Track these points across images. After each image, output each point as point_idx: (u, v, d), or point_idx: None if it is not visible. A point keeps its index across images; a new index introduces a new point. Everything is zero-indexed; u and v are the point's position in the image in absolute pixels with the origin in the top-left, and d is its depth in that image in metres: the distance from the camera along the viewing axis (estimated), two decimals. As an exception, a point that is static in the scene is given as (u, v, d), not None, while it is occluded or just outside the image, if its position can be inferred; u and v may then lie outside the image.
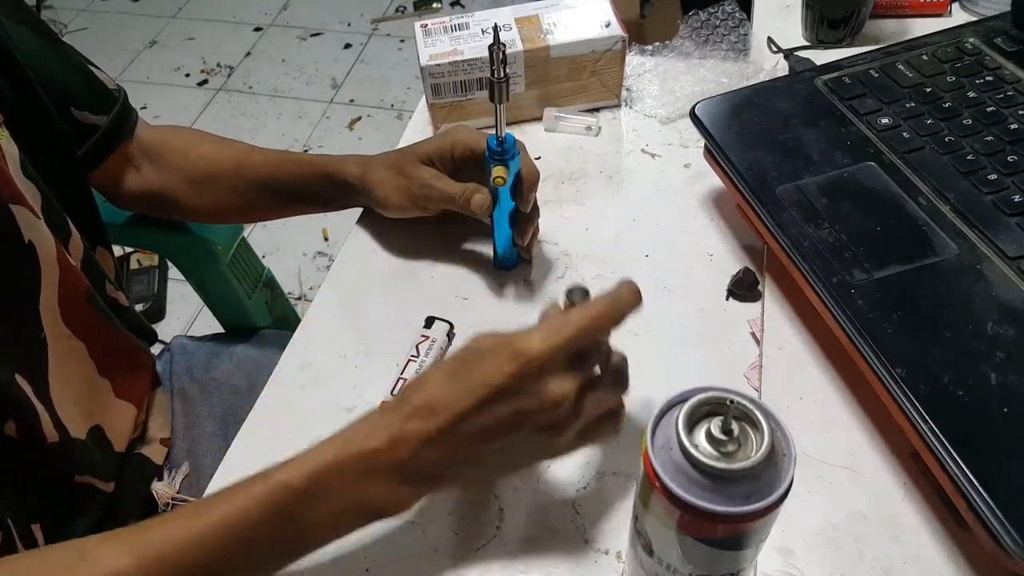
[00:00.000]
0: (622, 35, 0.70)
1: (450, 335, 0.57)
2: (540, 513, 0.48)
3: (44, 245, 0.51)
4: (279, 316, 0.90)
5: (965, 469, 0.40)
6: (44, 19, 2.26)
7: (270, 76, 2.29)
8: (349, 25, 2.46)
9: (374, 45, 2.38)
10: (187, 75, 2.32)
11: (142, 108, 2.04)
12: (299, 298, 1.65)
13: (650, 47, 0.79)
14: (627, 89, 0.77)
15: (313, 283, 1.69)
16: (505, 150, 0.54)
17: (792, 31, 0.81)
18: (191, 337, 0.80)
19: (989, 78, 0.61)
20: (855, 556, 0.44)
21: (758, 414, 0.31)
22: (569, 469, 0.50)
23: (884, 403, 0.46)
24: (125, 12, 2.59)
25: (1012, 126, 0.57)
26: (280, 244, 1.74)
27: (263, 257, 0.90)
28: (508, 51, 0.45)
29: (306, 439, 0.52)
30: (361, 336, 0.58)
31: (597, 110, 0.76)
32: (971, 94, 0.60)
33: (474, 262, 0.63)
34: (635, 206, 0.66)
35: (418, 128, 0.76)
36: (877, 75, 0.63)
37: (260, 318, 0.86)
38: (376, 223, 0.66)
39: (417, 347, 0.55)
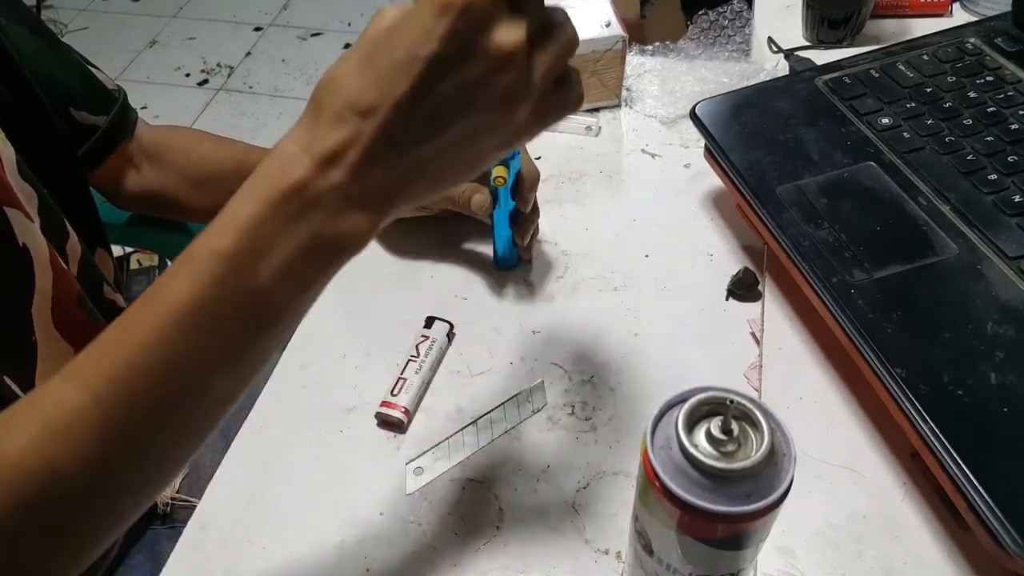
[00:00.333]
0: (622, 35, 0.70)
1: (450, 335, 0.57)
2: (540, 513, 0.48)
3: (38, 249, 0.51)
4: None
5: (965, 469, 0.40)
6: (44, 19, 2.26)
7: (270, 76, 2.29)
8: (349, 25, 2.46)
9: (374, 45, 2.38)
10: (187, 75, 2.32)
11: (142, 108, 2.05)
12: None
13: (650, 47, 0.79)
14: (627, 89, 0.77)
15: (313, 283, 1.68)
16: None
17: (792, 31, 0.81)
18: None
19: (990, 78, 0.61)
20: (855, 556, 0.44)
21: (758, 414, 0.31)
22: (569, 469, 0.50)
23: (884, 403, 0.46)
24: (125, 12, 2.60)
25: (1012, 126, 0.57)
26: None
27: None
28: None
29: (306, 439, 0.53)
30: (361, 336, 0.58)
31: (597, 110, 0.76)
32: (972, 94, 0.60)
33: (474, 262, 0.63)
34: (635, 206, 0.66)
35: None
36: (877, 75, 0.63)
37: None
38: (376, 223, 0.66)
39: (417, 347, 0.55)
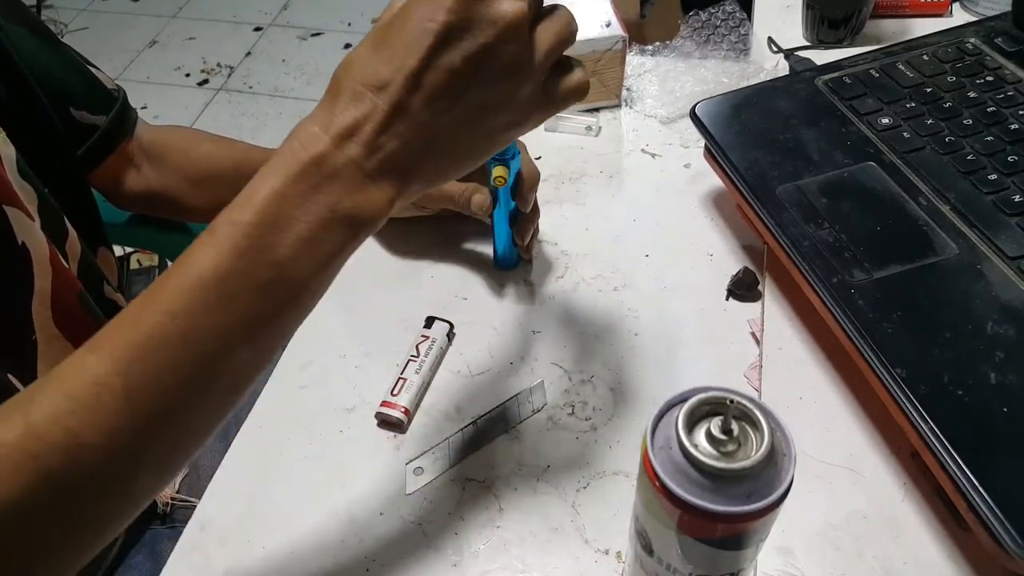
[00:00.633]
0: (622, 35, 0.70)
1: (450, 335, 0.57)
2: (540, 513, 0.48)
3: (38, 248, 0.51)
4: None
5: (965, 469, 0.40)
6: (44, 19, 2.26)
7: (270, 76, 2.29)
8: (349, 25, 2.46)
9: (374, 45, 2.38)
10: (187, 75, 2.32)
11: (142, 108, 2.04)
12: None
13: (650, 47, 0.79)
14: (627, 89, 0.77)
15: (313, 283, 1.68)
16: (505, 150, 0.54)
17: (792, 31, 0.81)
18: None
19: (990, 78, 0.61)
20: (855, 556, 0.44)
21: (758, 414, 0.31)
22: (569, 469, 0.50)
23: (884, 403, 0.46)
24: (125, 12, 2.60)
25: (1012, 126, 0.57)
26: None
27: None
28: None
29: (306, 439, 0.53)
30: (361, 336, 0.58)
31: (597, 110, 0.76)
32: (972, 94, 0.60)
33: (474, 262, 0.63)
34: (635, 206, 0.66)
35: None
36: (877, 75, 0.63)
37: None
38: (376, 223, 0.66)
39: (417, 347, 0.55)
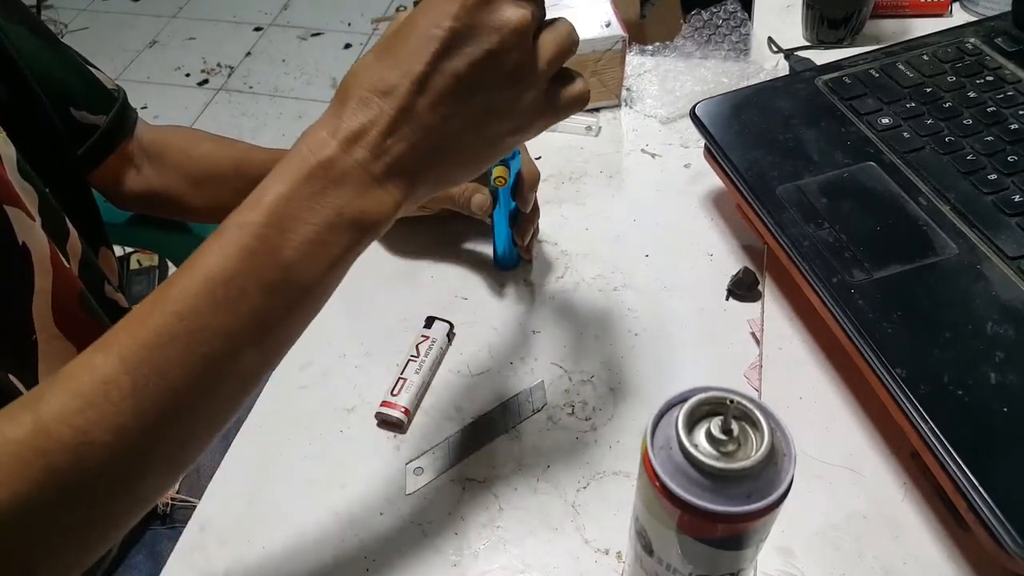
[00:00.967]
0: (622, 35, 0.70)
1: (450, 335, 0.57)
2: (540, 513, 0.48)
3: (38, 247, 0.51)
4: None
5: (965, 469, 0.40)
6: (44, 19, 2.26)
7: (270, 76, 2.29)
8: (349, 25, 2.46)
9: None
10: (187, 75, 2.32)
11: (142, 108, 2.04)
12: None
13: (650, 47, 0.79)
14: (627, 89, 0.77)
15: (313, 283, 1.68)
16: (505, 150, 0.54)
17: (792, 31, 0.81)
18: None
19: (989, 78, 0.61)
20: (855, 556, 0.44)
21: (758, 414, 0.31)
22: (569, 469, 0.50)
23: (884, 403, 0.46)
24: (125, 12, 2.60)
25: (1012, 126, 0.57)
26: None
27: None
28: None
29: (306, 439, 0.53)
30: (361, 336, 0.58)
31: (597, 110, 0.76)
32: (971, 94, 0.60)
33: (474, 262, 0.63)
34: (635, 206, 0.66)
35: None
36: (877, 75, 0.63)
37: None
38: (376, 223, 0.66)
39: (417, 347, 0.55)
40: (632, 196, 0.67)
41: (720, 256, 0.61)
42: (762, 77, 0.75)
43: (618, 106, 0.76)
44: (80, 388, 0.32)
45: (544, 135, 0.74)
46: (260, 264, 0.34)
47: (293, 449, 0.52)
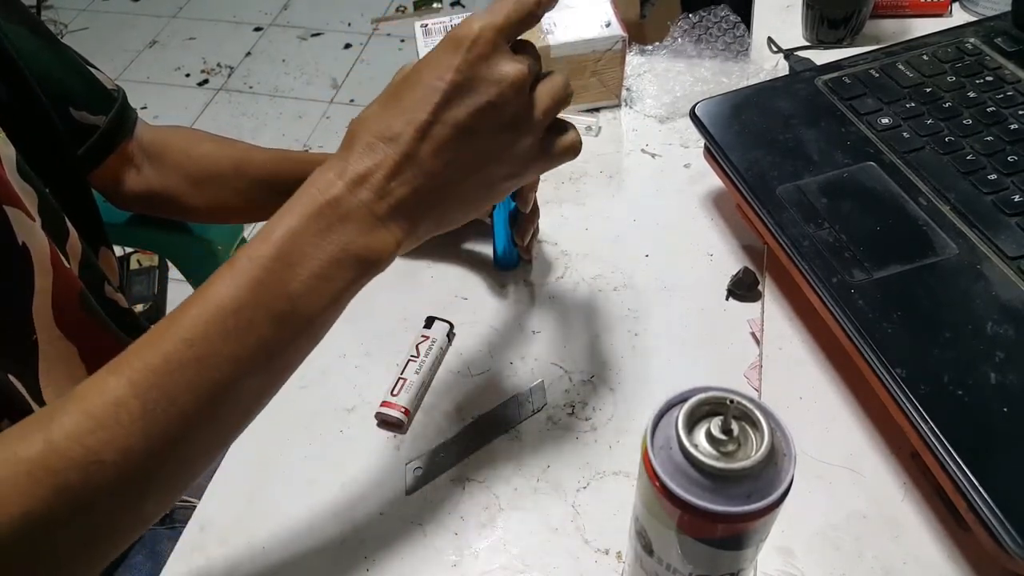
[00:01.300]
0: (622, 35, 0.70)
1: (450, 335, 0.57)
2: (540, 513, 0.48)
3: (38, 248, 0.51)
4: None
5: (965, 469, 0.40)
6: (44, 19, 2.25)
7: (270, 76, 2.29)
8: (349, 25, 2.46)
9: (374, 45, 2.38)
10: (187, 75, 2.32)
11: (142, 108, 2.05)
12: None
13: (650, 47, 0.79)
14: (627, 89, 0.77)
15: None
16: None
17: (792, 31, 0.81)
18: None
19: (989, 78, 0.61)
20: (855, 556, 0.44)
21: (758, 414, 0.31)
22: (569, 469, 0.50)
23: (884, 403, 0.46)
24: (125, 12, 2.60)
25: (1012, 126, 0.57)
26: (280, 244, 1.74)
27: (263, 257, 0.90)
28: None
29: (306, 439, 0.53)
30: (361, 336, 0.58)
31: (597, 110, 0.76)
32: (971, 94, 0.60)
33: (474, 262, 0.63)
34: (635, 206, 0.66)
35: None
36: (877, 75, 0.63)
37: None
38: (376, 223, 0.66)
39: (417, 347, 0.55)
40: (632, 196, 0.67)
41: (720, 256, 0.61)
42: (762, 77, 0.75)
43: (618, 106, 0.76)
44: (92, 409, 0.33)
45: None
46: (269, 295, 0.36)
47: (293, 449, 0.52)
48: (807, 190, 0.55)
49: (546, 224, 0.64)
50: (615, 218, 0.65)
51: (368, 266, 0.38)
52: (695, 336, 0.56)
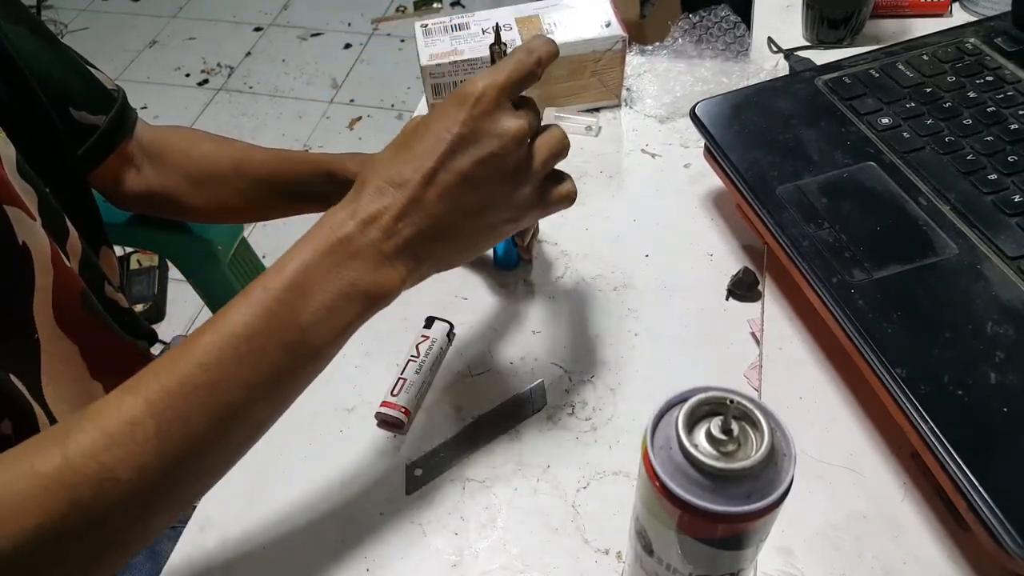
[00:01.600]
0: (622, 35, 0.70)
1: (450, 335, 0.57)
2: (540, 513, 0.48)
3: (39, 247, 0.51)
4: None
5: (965, 469, 0.40)
6: (44, 19, 2.25)
7: (270, 76, 2.29)
8: (349, 25, 2.46)
9: (374, 45, 2.38)
10: (187, 75, 2.32)
11: (142, 108, 2.04)
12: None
13: (650, 47, 0.79)
14: (627, 89, 0.77)
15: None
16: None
17: (792, 31, 0.81)
18: (191, 337, 0.80)
19: (989, 78, 0.61)
20: (855, 556, 0.44)
21: (758, 414, 0.31)
22: (569, 469, 0.50)
23: (884, 403, 0.46)
24: (125, 12, 2.60)
25: (1012, 126, 0.57)
26: (280, 244, 1.73)
27: (263, 257, 0.90)
28: (509, 51, 0.46)
29: (306, 439, 0.53)
30: (361, 336, 0.58)
31: (597, 110, 0.76)
32: (971, 94, 0.60)
33: (474, 262, 0.63)
34: (635, 206, 0.66)
35: (418, 128, 0.76)
36: (877, 75, 0.63)
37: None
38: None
39: (417, 347, 0.55)
40: (632, 196, 0.67)
41: (720, 256, 0.61)
42: (762, 77, 0.75)
43: (618, 106, 0.76)
44: (108, 427, 0.35)
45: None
46: (280, 325, 0.38)
47: (293, 449, 0.52)
48: (807, 190, 0.55)
49: (546, 224, 0.64)
50: (615, 218, 0.65)
51: (374, 300, 0.40)
52: (695, 336, 0.56)
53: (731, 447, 0.31)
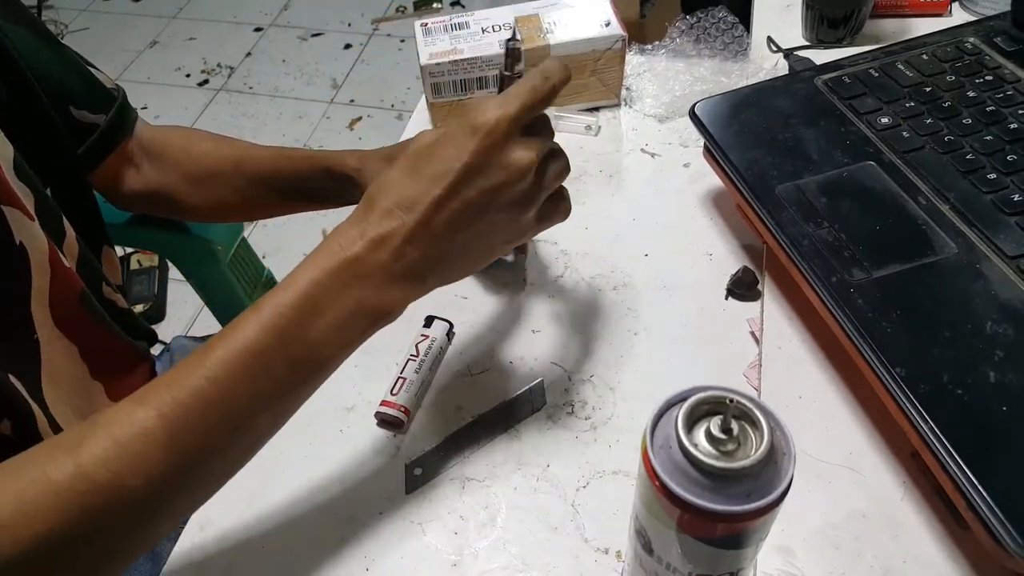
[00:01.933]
0: (622, 34, 0.70)
1: (450, 334, 0.57)
2: (540, 513, 0.48)
3: (36, 247, 0.51)
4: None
5: (965, 469, 0.40)
6: (44, 19, 2.25)
7: (270, 76, 2.29)
8: (349, 25, 2.46)
9: (374, 45, 2.38)
10: (187, 75, 2.32)
11: (142, 108, 2.04)
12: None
13: (650, 46, 0.79)
14: (627, 88, 0.77)
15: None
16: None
17: (792, 31, 0.81)
18: (191, 337, 0.80)
19: (989, 78, 0.61)
20: (855, 556, 0.44)
21: (757, 413, 0.31)
22: (569, 469, 0.50)
23: (884, 402, 0.46)
24: (126, 12, 2.60)
25: (1012, 125, 0.57)
26: (280, 244, 1.74)
27: (263, 257, 0.91)
28: (521, 45, 0.47)
29: (306, 439, 0.53)
30: (361, 336, 0.58)
31: (597, 109, 0.76)
32: (971, 93, 0.60)
33: (474, 262, 0.63)
34: (635, 205, 0.66)
35: (418, 128, 0.76)
36: (877, 75, 0.63)
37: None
38: (376, 223, 0.66)
39: (417, 346, 0.55)
40: (632, 195, 0.67)
41: (720, 255, 0.61)
42: (761, 77, 0.75)
43: (617, 105, 0.76)
44: (119, 436, 0.36)
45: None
46: (289, 341, 0.39)
47: (293, 449, 0.52)
48: (806, 189, 0.55)
49: (546, 224, 0.64)
50: (615, 217, 0.65)
51: (379, 318, 0.42)
52: (694, 335, 0.56)
53: (731, 446, 0.31)
